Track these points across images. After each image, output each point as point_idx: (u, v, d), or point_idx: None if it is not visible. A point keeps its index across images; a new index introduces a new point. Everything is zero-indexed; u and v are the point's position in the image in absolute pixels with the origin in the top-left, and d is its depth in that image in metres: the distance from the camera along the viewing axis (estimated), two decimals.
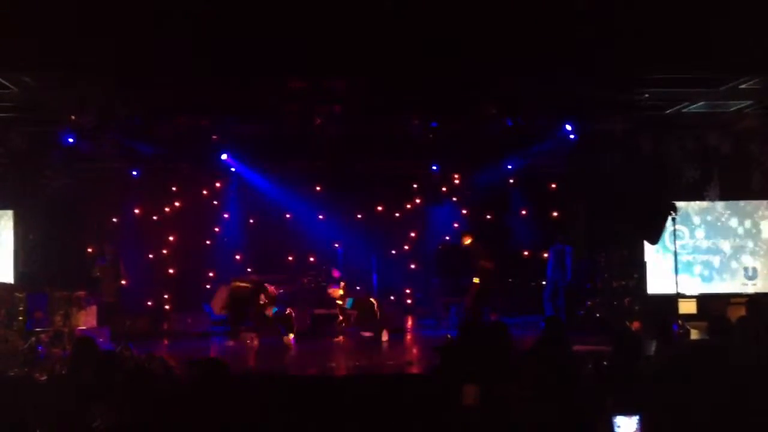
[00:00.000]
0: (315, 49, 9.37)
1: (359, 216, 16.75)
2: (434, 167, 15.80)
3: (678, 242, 11.62)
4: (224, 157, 14.64)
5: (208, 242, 16.46)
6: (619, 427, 4.50)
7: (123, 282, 13.94)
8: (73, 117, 12.30)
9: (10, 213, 13.45)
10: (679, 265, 11.49)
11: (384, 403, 6.40)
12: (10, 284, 12.21)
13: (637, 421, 4.44)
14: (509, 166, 15.97)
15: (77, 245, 14.51)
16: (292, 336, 12.54)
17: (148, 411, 5.10)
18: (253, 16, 8.85)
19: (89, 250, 14.58)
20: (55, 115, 12.30)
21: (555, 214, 16.40)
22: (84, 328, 11.64)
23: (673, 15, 8.81)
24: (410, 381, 9.02)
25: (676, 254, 11.60)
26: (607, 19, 9.14)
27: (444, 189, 16.58)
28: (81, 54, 9.29)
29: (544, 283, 15.07)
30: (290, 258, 16.49)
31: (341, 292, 13.43)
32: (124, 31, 8.88)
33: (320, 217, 16.53)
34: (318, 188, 16.40)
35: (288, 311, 12.98)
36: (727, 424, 4.57)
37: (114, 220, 15.66)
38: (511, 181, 16.52)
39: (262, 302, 12.72)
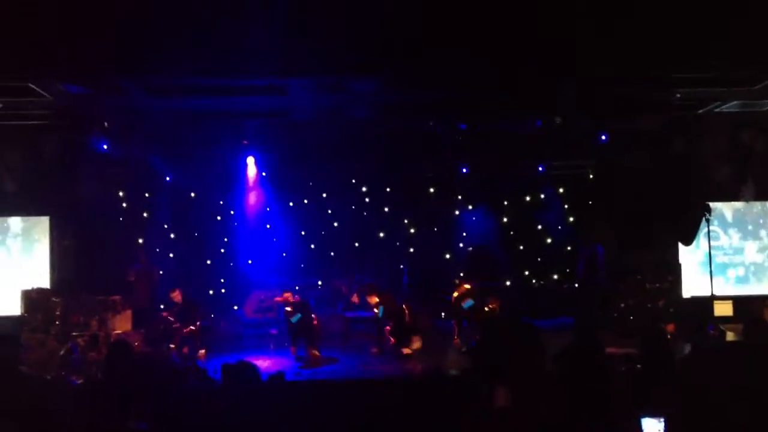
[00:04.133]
0: (345, 49, 9.42)
1: (388, 219, 16.84)
2: (464, 170, 15.78)
3: (713, 243, 11.46)
4: (250, 160, 14.76)
5: (239, 245, 16.65)
6: (645, 429, 4.45)
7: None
8: (105, 124, 12.49)
9: (46, 219, 13.65)
10: (714, 267, 11.34)
11: (416, 405, 6.40)
12: (47, 289, 12.38)
13: (663, 423, 4.39)
14: (540, 168, 15.90)
15: (112, 250, 14.68)
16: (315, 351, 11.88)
17: (181, 413, 5.15)
18: (284, 16, 8.92)
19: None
20: (88, 122, 12.49)
21: (587, 215, 16.31)
22: (119, 331, 11.79)
23: (704, 14, 8.72)
24: (442, 383, 8.99)
25: (710, 255, 11.45)
26: (638, 19, 9.08)
27: (474, 191, 16.54)
28: (112, 61, 9.43)
29: (576, 285, 14.99)
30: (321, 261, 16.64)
31: (376, 299, 12.59)
32: (152, 39, 9.00)
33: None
34: (347, 191, 16.52)
35: (315, 320, 12.23)
36: (757, 428, 4.50)
37: (145, 214, 15.86)
38: (543, 182, 16.46)
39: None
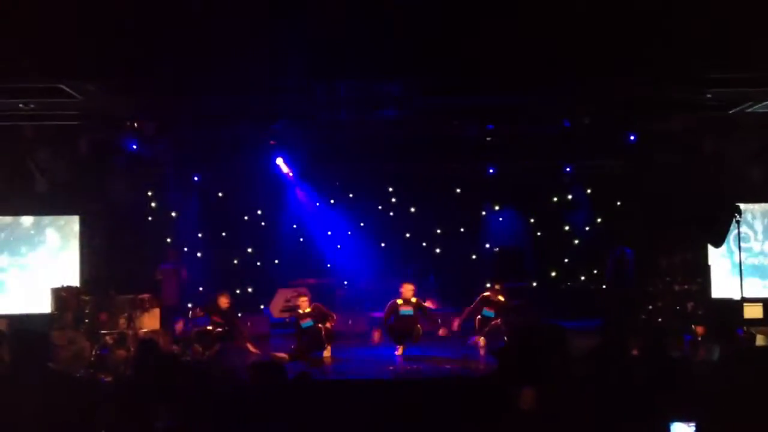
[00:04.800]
0: (370, 51, 9.43)
1: (415, 219, 16.83)
2: (491, 170, 15.72)
3: (743, 245, 11.31)
4: (280, 161, 14.83)
5: (266, 245, 16.74)
6: None
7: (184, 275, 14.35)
8: (135, 124, 12.61)
9: (76, 218, 13.81)
10: (745, 269, 11.19)
11: (441, 406, 6.39)
12: (77, 288, 12.52)
13: (694, 427, 4.35)
14: (567, 168, 15.80)
15: (141, 249, 14.85)
16: (328, 351, 11.98)
17: (209, 412, 5.19)
18: (308, 18, 8.95)
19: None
20: (118, 122, 12.62)
21: (615, 216, 16.17)
22: (147, 330, 11.89)
23: (734, 14, 8.63)
24: (467, 384, 8.98)
25: (740, 257, 11.32)
26: (668, 19, 9.00)
27: (500, 192, 16.47)
28: (141, 61, 9.52)
29: (603, 286, 14.88)
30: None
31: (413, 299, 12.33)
32: (181, 39, 9.08)
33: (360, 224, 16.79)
34: (374, 192, 16.53)
35: (321, 326, 11.94)
36: None
37: (173, 214, 16.00)
38: (571, 182, 16.35)
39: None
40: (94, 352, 10.83)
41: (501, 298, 12.85)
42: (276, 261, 16.66)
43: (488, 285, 13.32)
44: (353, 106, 12.17)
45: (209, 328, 12.02)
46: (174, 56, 9.39)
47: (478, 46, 9.35)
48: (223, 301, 12.33)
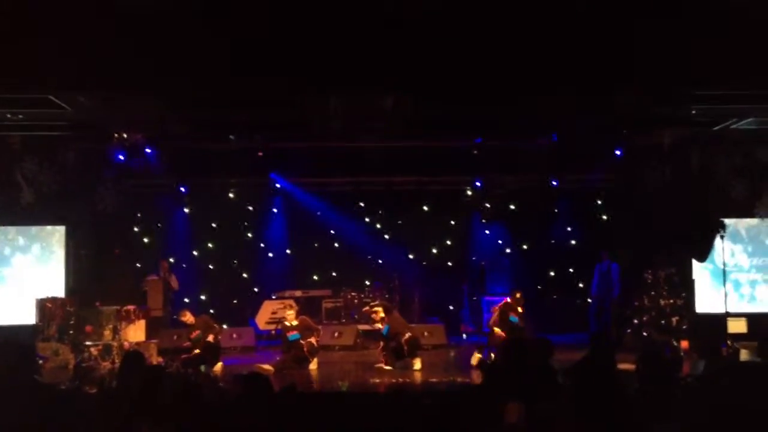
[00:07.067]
0: (360, 64, 9.46)
1: (403, 232, 16.83)
2: (477, 183, 15.75)
3: (728, 260, 11.41)
4: (271, 174, 14.85)
5: (253, 257, 16.72)
6: None
7: (174, 288, 14.28)
8: (124, 135, 12.60)
9: (62, 229, 13.76)
10: (729, 284, 11.28)
11: (427, 420, 6.39)
12: (62, 299, 12.47)
13: None
14: (554, 182, 15.85)
15: (127, 260, 14.80)
16: (314, 363, 11.93)
17: (194, 424, 5.18)
18: (302, 32, 8.99)
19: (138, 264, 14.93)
20: (106, 133, 12.61)
21: (601, 230, 16.22)
22: (133, 341, 11.83)
23: (720, 32, 8.74)
24: (453, 399, 8.97)
25: (725, 272, 11.40)
26: (656, 36, 9.11)
27: (487, 205, 16.47)
28: (133, 73, 9.53)
29: (589, 300, 14.93)
30: (334, 273, 16.67)
31: (382, 314, 12.07)
32: (173, 51, 9.10)
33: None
34: (362, 204, 16.51)
35: (304, 340, 11.90)
36: None
37: (159, 224, 15.97)
38: (557, 196, 16.39)
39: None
40: (74, 364, 10.80)
41: (520, 309, 12.56)
42: (262, 272, 16.62)
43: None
44: (343, 118, 12.20)
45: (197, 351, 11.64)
46: (163, 68, 9.40)
47: (466, 61, 9.41)
48: (187, 318, 11.99)
